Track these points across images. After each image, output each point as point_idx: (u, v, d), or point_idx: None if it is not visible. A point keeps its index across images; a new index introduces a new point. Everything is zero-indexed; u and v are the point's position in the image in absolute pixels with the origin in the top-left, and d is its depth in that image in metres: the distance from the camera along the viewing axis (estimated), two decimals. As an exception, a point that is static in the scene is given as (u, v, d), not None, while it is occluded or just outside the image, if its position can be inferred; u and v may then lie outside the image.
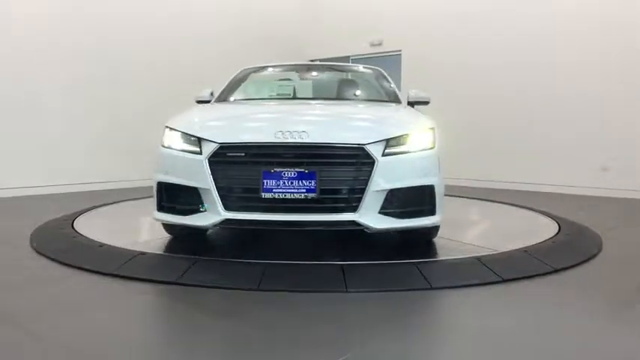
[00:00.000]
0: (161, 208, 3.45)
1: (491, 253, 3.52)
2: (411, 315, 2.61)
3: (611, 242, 4.12)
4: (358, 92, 4.84)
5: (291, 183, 3.09)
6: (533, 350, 2.16)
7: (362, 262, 3.33)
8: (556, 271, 3.29)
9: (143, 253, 3.48)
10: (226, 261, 3.31)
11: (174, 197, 3.37)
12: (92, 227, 4.25)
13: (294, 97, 4.92)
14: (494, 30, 8.08)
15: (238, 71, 5.02)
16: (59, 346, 2.16)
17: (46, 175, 6.74)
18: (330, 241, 3.93)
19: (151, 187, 3.52)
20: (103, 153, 7.24)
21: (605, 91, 7.15)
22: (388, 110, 4.03)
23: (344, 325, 2.44)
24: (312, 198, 3.10)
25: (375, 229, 3.18)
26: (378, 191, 3.16)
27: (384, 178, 3.16)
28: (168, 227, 3.82)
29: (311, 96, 4.86)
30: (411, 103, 4.43)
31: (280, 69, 5.35)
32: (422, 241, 3.83)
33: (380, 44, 9.38)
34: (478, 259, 3.34)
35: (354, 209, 3.14)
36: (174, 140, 3.42)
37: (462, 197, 6.59)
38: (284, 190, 3.09)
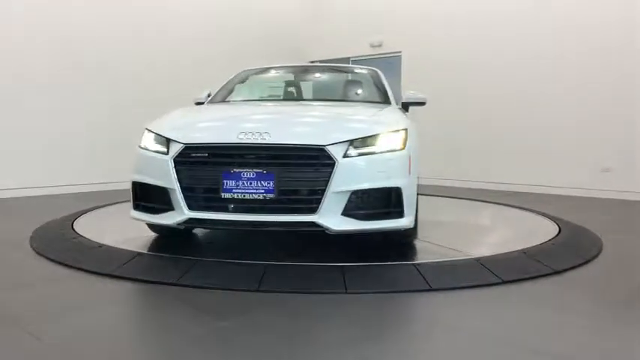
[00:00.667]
0: (136, 206, 3.54)
1: (490, 254, 3.52)
2: (411, 316, 2.60)
3: (611, 244, 4.12)
4: (347, 94, 4.82)
5: (250, 183, 3.11)
6: (533, 351, 2.16)
7: (361, 264, 3.33)
8: (556, 272, 3.29)
9: (143, 254, 3.49)
10: (226, 262, 3.31)
11: (147, 196, 3.45)
12: (92, 228, 4.25)
13: (283, 99, 4.89)
14: (494, 31, 8.09)
15: (236, 73, 5.07)
16: (59, 346, 2.16)
17: (46, 175, 6.74)
18: (330, 242, 3.92)
19: None
20: (103, 153, 7.24)
21: (605, 91, 7.16)
22: (366, 111, 3.91)
23: (344, 326, 2.44)
24: (271, 199, 3.10)
25: (336, 230, 3.14)
26: (339, 193, 3.11)
27: (346, 180, 3.12)
28: (151, 225, 3.84)
29: (302, 97, 4.85)
30: (406, 104, 4.41)
31: (276, 71, 5.35)
32: (400, 243, 3.77)
33: (380, 45, 9.39)
34: (477, 260, 3.34)
35: (313, 210, 3.11)
36: (148, 141, 3.49)
37: (461, 198, 6.59)
38: (243, 191, 3.11)
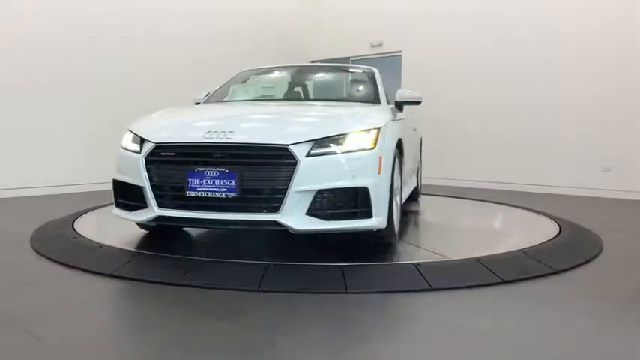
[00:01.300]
0: (117, 204, 3.65)
1: (491, 253, 3.51)
2: (411, 316, 2.60)
3: (611, 243, 4.12)
4: (337, 93, 4.82)
5: (213, 182, 3.14)
6: (533, 351, 2.16)
7: (362, 263, 3.33)
8: (556, 272, 3.29)
9: (143, 254, 3.49)
10: (227, 262, 3.31)
11: (125, 194, 3.55)
12: (92, 228, 4.25)
13: (274, 99, 4.88)
14: (495, 31, 8.09)
15: (236, 73, 5.09)
16: (59, 345, 2.16)
17: (47, 175, 6.74)
18: (330, 242, 3.92)
19: None
20: (103, 153, 7.21)
21: (605, 91, 7.15)
22: (344, 110, 3.87)
23: (344, 326, 2.44)
24: (233, 197, 3.12)
25: (299, 230, 3.13)
26: (302, 192, 3.10)
27: (308, 179, 3.10)
28: (138, 223, 3.88)
29: (292, 97, 4.84)
30: (400, 104, 4.40)
31: (272, 71, 5.35)
32: (379, 245, 3.69)
33: (380, 45, 9.39)
34: (478, 259, 3.34)
35: (275, 210, 3.10)
36: (127, 141, 3.59)
37: (461, 198, 6.60)
38: (206, 189, 3.14)
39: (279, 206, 3.09)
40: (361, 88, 4.78)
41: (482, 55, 8.21)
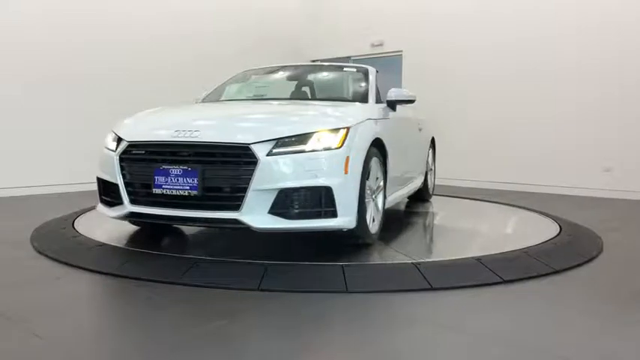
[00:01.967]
0: (101, 201, 3.75)
1: (491, 253, 3.51)
2: (412, 316, 2.60)
3: (611, 244, 4.12)
4: (325, 92, 4.79)
5: (177, 180, 3.20)
6: (533, 351, 2.16)
7: (362, 263, 3.32)
8: (557, 272, 3.29)
9: (143, 253, 3.49)
10: (227, 261, 3.31)
11: (105, 191, 3.67)
12: (92, 227, 4.25)
13: (265, 99, 4.85)
14: (495, 31, 8.08)
15: (237, 73, 5.12)
16: (59, 346, 2.16)
17: (46, 175, 6.74)
18: (330, 241, 3.92)
19: None
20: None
21: (606, 91, 7.14)
22: (320, 109, 3.88)
23: (345, 326, 2.44)
24: (195, 195, 3.17)
25: (260, 228, 3.14)
26: (263, 191, 3.10)
27: (269, 178, 3.10)
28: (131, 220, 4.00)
29: (284, 97, 4.83)
30: (392, 103, 4.37)
31: (270, 71, 5.35)
32: (348, 245, 3.66)
33: (381, 45, 9.38)
34: (478, 259, 3.34)
35: (236, 208, 3.12)
36: (109, 140, 3.67)
37: (462, 198, 6.59)
38: (171, 187, 3.22)
39: (240, 204, 3.12)
40: (350, 87, 4.76)
41: (483, 55, 8.20)
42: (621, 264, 3.66)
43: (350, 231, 3.39)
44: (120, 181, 3.40)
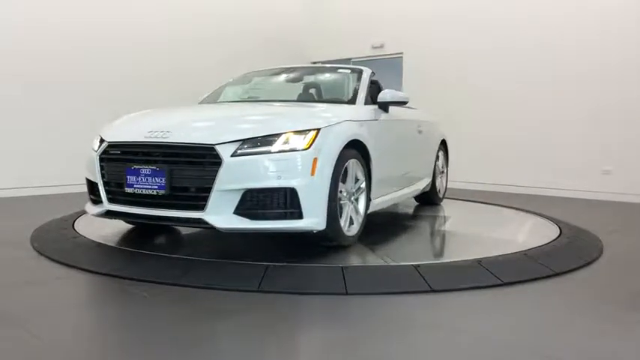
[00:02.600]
0: (89, 199, 3.87)
1: (491, 255, 3.51)
2: (411, 318, 2.60)
3: (611, 246, 4.12)
4: (313, 93, 4.79)
5: (147, 179, 3.29)
6: (533, 353, 2.16)
7: (362, 265, 3.32)
8: (556, 274, 3.29)
9: (143, 254, 3.49)
10: (226, 262, 3.31)
11: (90, 190, 3.82)
12: (92, 227, 4.25)
13: (257, 101, 4.89)
14: (496, 34, 8.10)
15: (237, 74, 5.16)
16: (59, 346, 2.16)
17: (46, 175, 6.74)
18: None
19: None
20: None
21: (605, 93, 7.16)
22: (286, 111, 3.91)
23: (344, 328, 2.44)
24: (162, 194, 3.25)
25: (224, 228, 3.17)
26: (227, 191, 3.13)
27: (232, 179, 3.13)
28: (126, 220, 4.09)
29: (275, 98, 4.86)
30: (383, 104, 4.34)
31: (266, 73, 5.37)
32: (331, 248, 3.64)
33: (381, 47, 9.39)
34: (479, 261, 3.34)
35: (201, 207, 3.17)
36: (96, 141, 3.77)
37: (463, 200, 6.59)
38: (141, 186, 3.31)
39: (205, 204, 3.16)
40: (341, 88, 4.74)
41: (483, 57, 8.21)
42: (621, 266, 3.66)
43: (321, 232, 3.38)
44: (99, 181, 3.54)
